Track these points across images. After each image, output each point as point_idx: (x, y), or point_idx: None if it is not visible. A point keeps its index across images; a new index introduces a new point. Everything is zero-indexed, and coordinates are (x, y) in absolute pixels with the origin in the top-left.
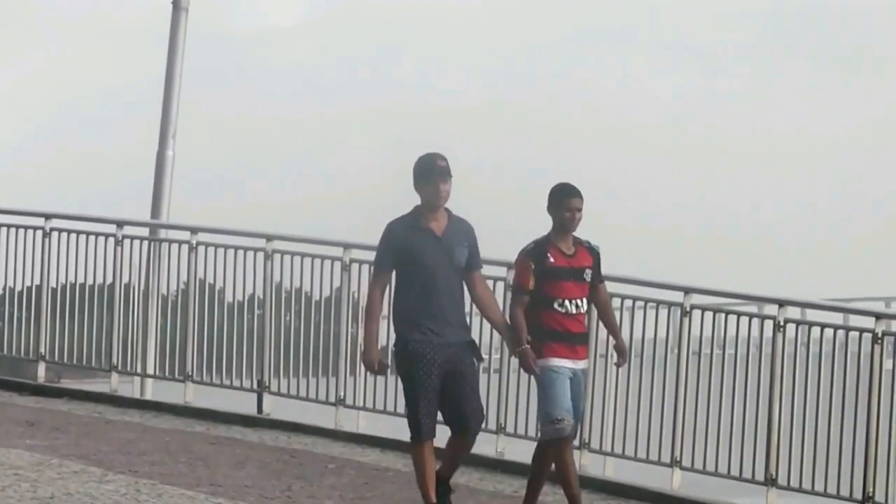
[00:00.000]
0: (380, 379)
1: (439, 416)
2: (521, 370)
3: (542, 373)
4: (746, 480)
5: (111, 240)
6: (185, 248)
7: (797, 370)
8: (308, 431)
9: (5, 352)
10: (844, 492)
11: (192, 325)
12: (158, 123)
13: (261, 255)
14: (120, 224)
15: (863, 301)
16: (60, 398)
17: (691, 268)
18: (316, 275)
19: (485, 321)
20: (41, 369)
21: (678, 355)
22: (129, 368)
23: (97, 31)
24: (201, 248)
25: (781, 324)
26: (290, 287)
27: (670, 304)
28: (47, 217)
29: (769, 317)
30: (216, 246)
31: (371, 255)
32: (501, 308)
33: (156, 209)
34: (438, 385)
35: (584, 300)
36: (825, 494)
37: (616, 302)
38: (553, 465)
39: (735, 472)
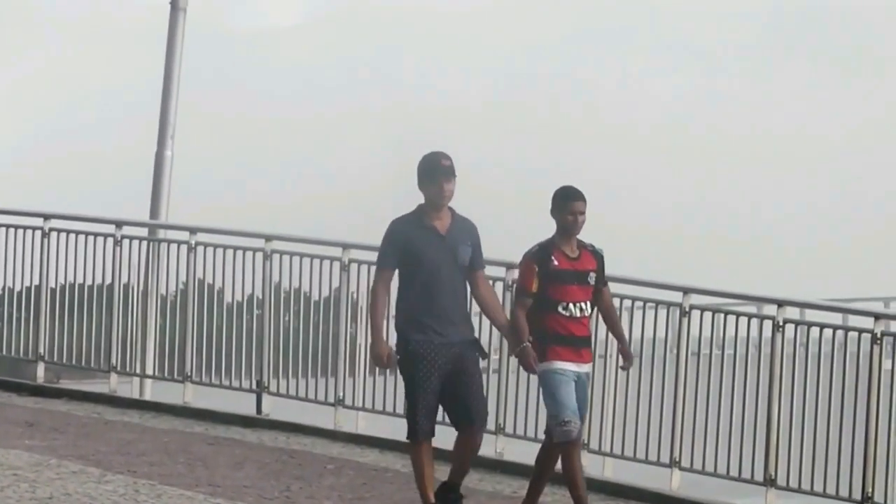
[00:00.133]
0: (378, 379)
1: (439, 417)
2: (521, 370)
3: (547, 375)
4: (745, 481)
5: (110, 240)
6: (184, 248)
7: (796, 370)
8: (307, 432)
9: (4, 352)
10: (843, 492)
11: (191, 325)
12: (157, 124)
13: (260, 255)
14: (119, 224)
15: (862, 301)
16: (59, 398)
17: (691, 268)
18: (315, 275)
19: (486, 320)
20: (40, 370)
21: (677, 355)
22: (128, 369)
23: (97, 31)
24: (200, 249)
25: (781, 324)
26: (289, 287)
27: (669, 305)
28: (46, 217)
29: (768, 317)
30: (215, 246)
31: (370, 256)
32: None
33: (155, 209)
34: (438, 386)
35: (588, 303)
36: (824, 495)
37: (615, 302)
38: (561, 467)
39: (734, 472)
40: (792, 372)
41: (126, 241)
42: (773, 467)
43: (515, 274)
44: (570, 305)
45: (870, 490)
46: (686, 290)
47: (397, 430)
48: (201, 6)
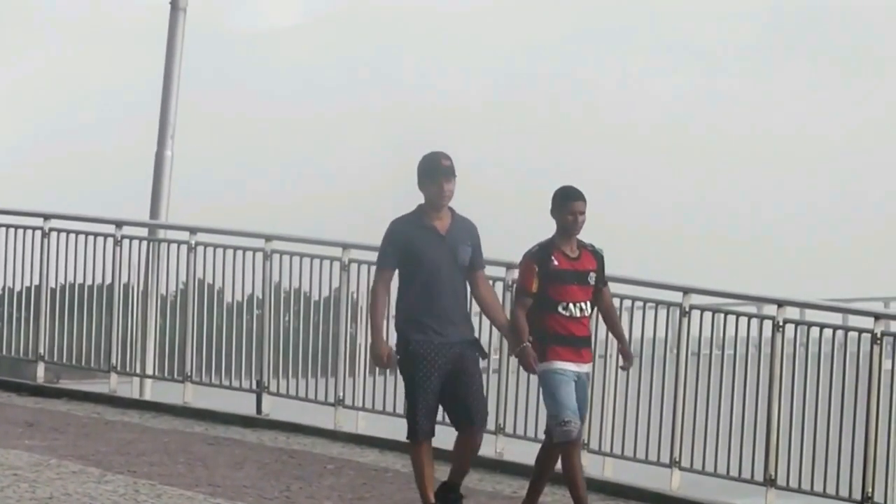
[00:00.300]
0: (378, 379)
1: (439, 417)
2: (521, 370)
3: (547, 375)
4: (745, 481)
5: (110, 240)
6: (184, 248)
7: (796, 370)
8: (307, 432)
9: (4, 352)
10: (843, 492)
11: (191, 325)
12: (157, 124)
13: (260, 255)
14: (119, 224)
15: (862, 301)
16: (59, 399)
17: (691, 268)
18: (315, 275)
19: (486, 320)
20: (40, 370)
21: (677, 355)
22: (128, 369)
23: (97, 31)
24: (200, 249)
25: (780, 324)
26: (289, 287)
27: (669, 305)
28: (46, 217)
29: (768, 317)
30: (215, 246)
31: (370, 256)
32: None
33: (155, 209)
34: (438, 386)
35: (588, 303)
36: (824, 495)
37: (615, 302)
38: (561, 467)
39: (734, 472)
40: (792, 372)
41: (126, 241)
42: (773, 467)
43: (515, 274)
44: (570, 305)
45: (870, 490)
46: (686, 290)
47: (397, 430)
48: (201, 6)
